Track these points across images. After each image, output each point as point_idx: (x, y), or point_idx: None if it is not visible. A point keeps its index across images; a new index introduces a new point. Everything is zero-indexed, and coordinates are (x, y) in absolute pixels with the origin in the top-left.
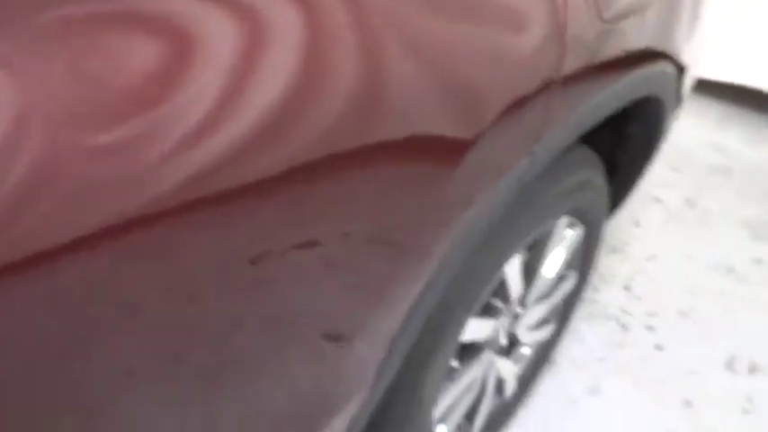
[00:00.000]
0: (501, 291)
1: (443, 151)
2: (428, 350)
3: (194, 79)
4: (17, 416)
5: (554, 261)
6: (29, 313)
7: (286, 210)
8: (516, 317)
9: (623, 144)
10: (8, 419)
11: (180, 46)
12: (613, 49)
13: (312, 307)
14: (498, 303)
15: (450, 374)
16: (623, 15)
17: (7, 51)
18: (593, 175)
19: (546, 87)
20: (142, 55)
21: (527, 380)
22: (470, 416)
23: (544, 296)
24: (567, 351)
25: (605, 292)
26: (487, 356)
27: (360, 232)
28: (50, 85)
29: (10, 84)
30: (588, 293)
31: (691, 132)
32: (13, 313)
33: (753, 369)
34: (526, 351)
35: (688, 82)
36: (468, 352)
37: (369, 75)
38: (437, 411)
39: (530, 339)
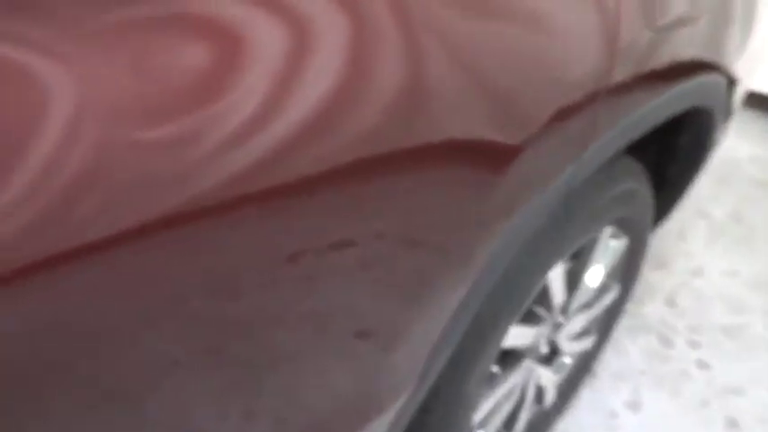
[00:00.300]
0: (543, 298)
1: (489, 157)
2: (471, 355)
3: (242, 81)
4: (65, 400)
5: (597, 271)
6: (81, 301)
7: (326, 209)
8: (558, 326)
9: (672, 155)
10: (56, 404)
11: (230, 48)
12: (664, 59)
13: (352, 307)
14: (540, 311)
15: (491, 380)
16: (676, 24)
17: (71, 49)
18: (638, 185)
19: (595, 95)
20: (194, 55)
21: (567, 390)
22: (509, 423)
23: (586, 306)
24: (608, 363)
25: (648, 305)
26: (528, 364)
27: (400, 235)
28: (107, 81)
29: (69, 79)
30: (631, 306)
31: (736, 146)
32: (67, 300)
33: None
34: (567, 361)
35: (739, 94)
36: (509, 358)
37: (414, 77)
38: (477, 416)
39: (571, 349)
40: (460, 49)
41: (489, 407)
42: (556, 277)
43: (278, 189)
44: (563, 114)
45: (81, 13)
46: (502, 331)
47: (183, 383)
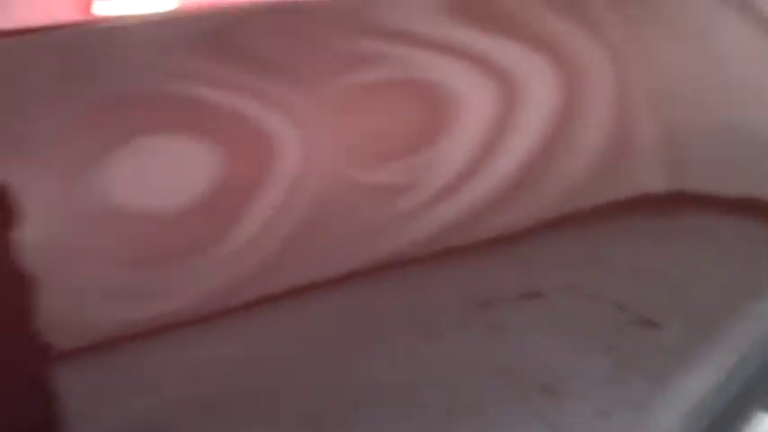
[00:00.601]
0: None
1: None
2: None
3: (456, 135)
4: (269, 421)
5: None
6: (296, 333)
7: (529, 262)
8: None
9: None
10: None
11: (445, 106)
12: None
13: (551, 363)
14: None
15: None
16: None
17: (304, 105)
18: None
19: None
20: (413, 111)
21: None
22: None
23: None
24: None
25: None
26: None
27: (609, 298)
28: (333, 135)
29: (299, 132)
30: None
31: None
32: (284, 331)
33: None
34: None
35: None
36: None
37: (617, 131)
38: None
39: None
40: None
41: None
42: None
43: (479, 241)
44: None
45: (318, 74)
46: (749, 418)
47: (375, 417)
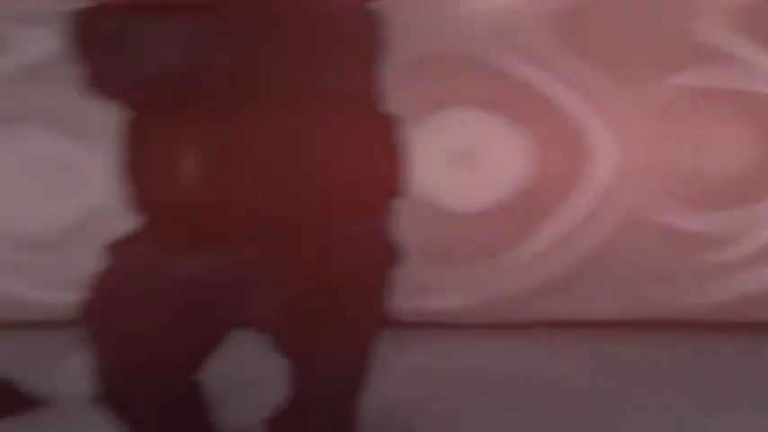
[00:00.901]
0: None
1: None
2: None
3: None
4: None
5: None
6: (567, 367)
7: None
8: None
9: None
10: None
11: None
12: None
13: None
14: None
15: None
16: None
17: (625, 111)
18: None
19: None
20: (750, 137)
21: None
22: None
23: None
24: None
25: None
26: None
27: None
28: (652, 153)
29: (615, 141)
30: None
31: None
32: (557, 361)
33: None
34: None
35: None
36: None
37: None
38: None
39: None
40: None
41: None
42: None
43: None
44: None
45: (646, 69)
46: None
47: None
